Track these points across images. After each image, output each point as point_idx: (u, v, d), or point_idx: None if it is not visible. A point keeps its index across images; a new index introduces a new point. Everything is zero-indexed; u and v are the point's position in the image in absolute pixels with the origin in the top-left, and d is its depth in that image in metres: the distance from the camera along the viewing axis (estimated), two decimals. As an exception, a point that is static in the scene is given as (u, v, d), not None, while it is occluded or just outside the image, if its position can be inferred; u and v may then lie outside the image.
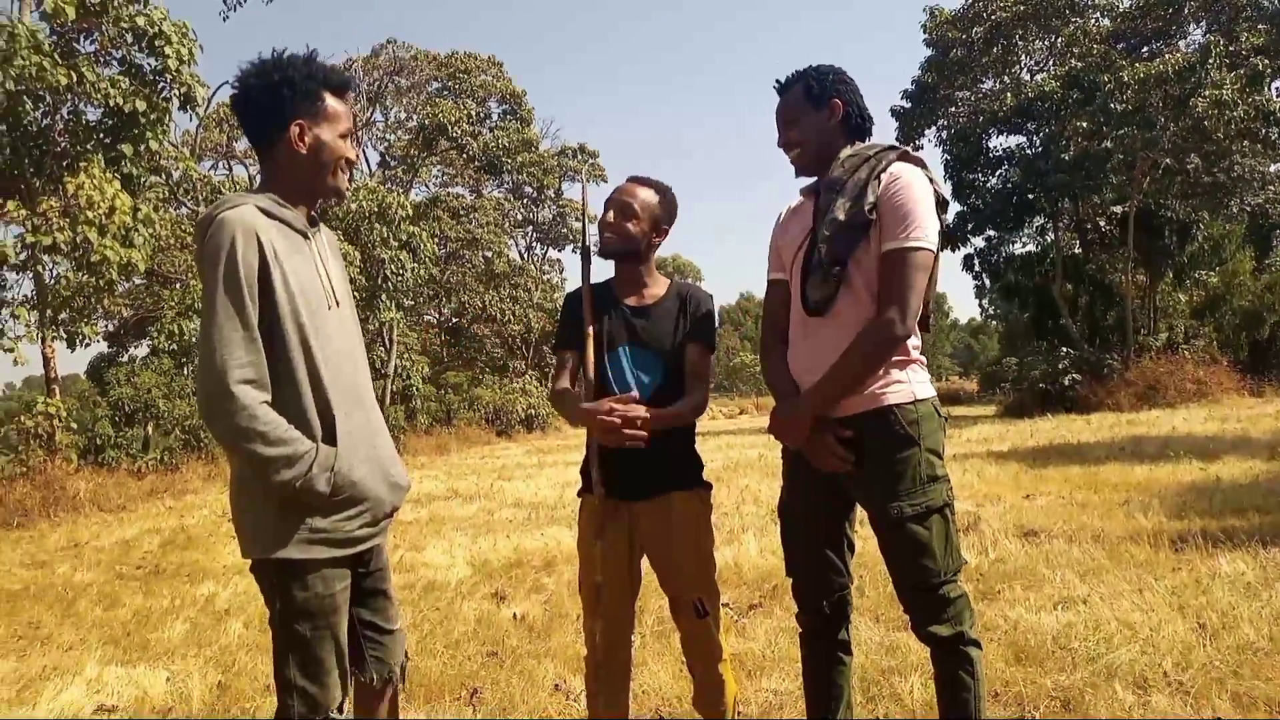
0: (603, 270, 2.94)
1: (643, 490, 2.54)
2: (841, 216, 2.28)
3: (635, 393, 2.49)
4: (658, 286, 2.69)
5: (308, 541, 1.95)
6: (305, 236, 2.06)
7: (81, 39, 12.16)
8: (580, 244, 2.77)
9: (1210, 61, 20.51)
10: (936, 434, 2.30)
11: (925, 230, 2.22)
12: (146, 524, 9.68)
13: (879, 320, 2.21)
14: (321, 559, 1.97)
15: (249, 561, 2.01)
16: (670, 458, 2.56)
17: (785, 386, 2.42)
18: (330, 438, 1.98)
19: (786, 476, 2.52)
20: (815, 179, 2.46)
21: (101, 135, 12.10)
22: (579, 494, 2.70)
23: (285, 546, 1.93)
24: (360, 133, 29.88)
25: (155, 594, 5.93)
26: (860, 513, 2.44)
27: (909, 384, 2.29)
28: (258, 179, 2.13)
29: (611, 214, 2.62)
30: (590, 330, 2.57)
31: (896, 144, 2.40)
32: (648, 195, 2.63)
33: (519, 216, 37.89)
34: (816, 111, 2.40)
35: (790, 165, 2.50)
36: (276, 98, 2.00)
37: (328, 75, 2.06)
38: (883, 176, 2.29)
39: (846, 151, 2.38)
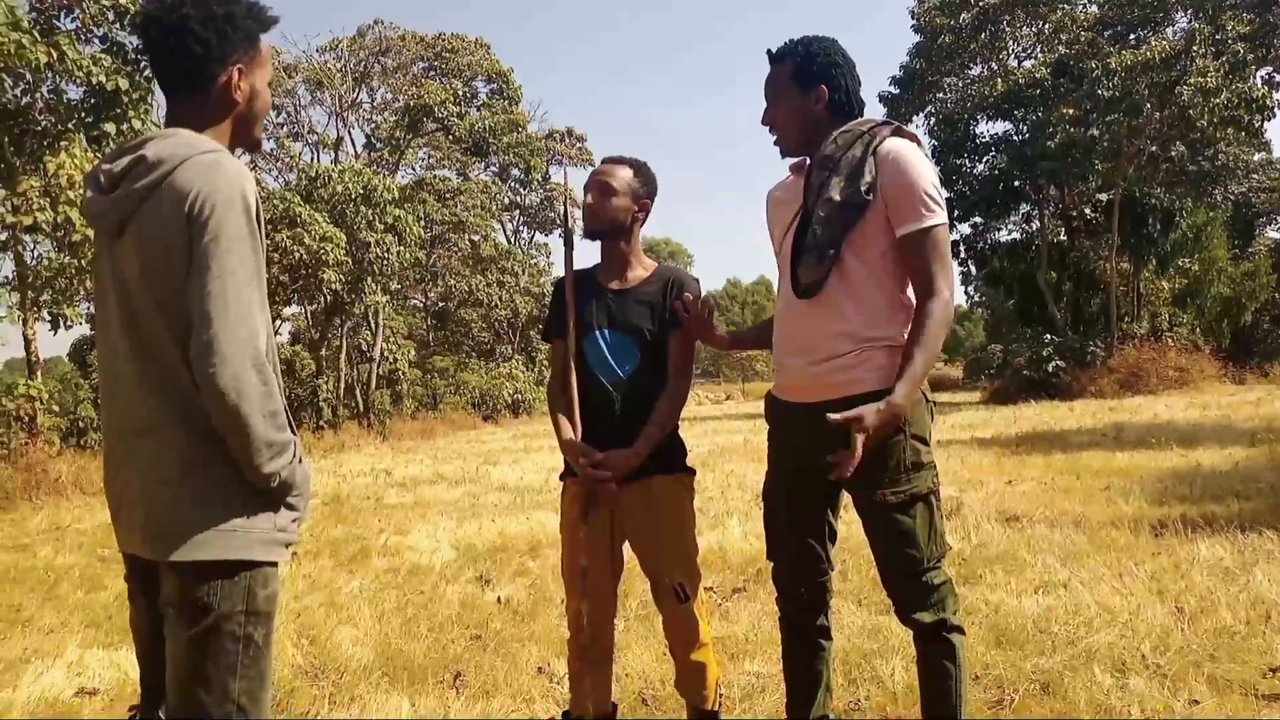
0: (590, 256, 2.94)
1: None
2: (837, 197, 2.21)
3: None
4: (641, 269, 2.67)
5: (274, 541, 1.74)
6: None
7: (62, 16, 11.99)
8: (563, 229, 2.76)
9: (1195, 48, 20.59)
10: (923, 420, 2.26)
11: (937, 205, 2.20)
12: (129, 507, 9.61)
13: (938, 301, 2.16)
14: (277, 560, 1.78)
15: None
16: None
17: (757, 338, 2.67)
18: (292, 427, 1.77)
19: (771, 462, 2.52)
20: (804, 157, 2.40)
21: (83, 114, 11.93)
22: (561, 477, 2.70)
23: (256, 547, 1.71)
24: (346, 114, 29.65)
25: (138, 577, 5.90)
26: (846, 497, 2.44)
27: (894, 369, 2.23)
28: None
29: (591, 195, 2.61)
30: (572, 317, 2.58)
31: (890, 120, 2.35)
32: (624, 171, 2.62)
33: (506, 200, 37.72)
34: (803, 94, 2.32)
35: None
36: (220, 34, 1.72)
37: (262, 14, 1.81)
38: (878, 153, 2.22)
39: (841, 130, 2.30)
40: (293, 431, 1.76)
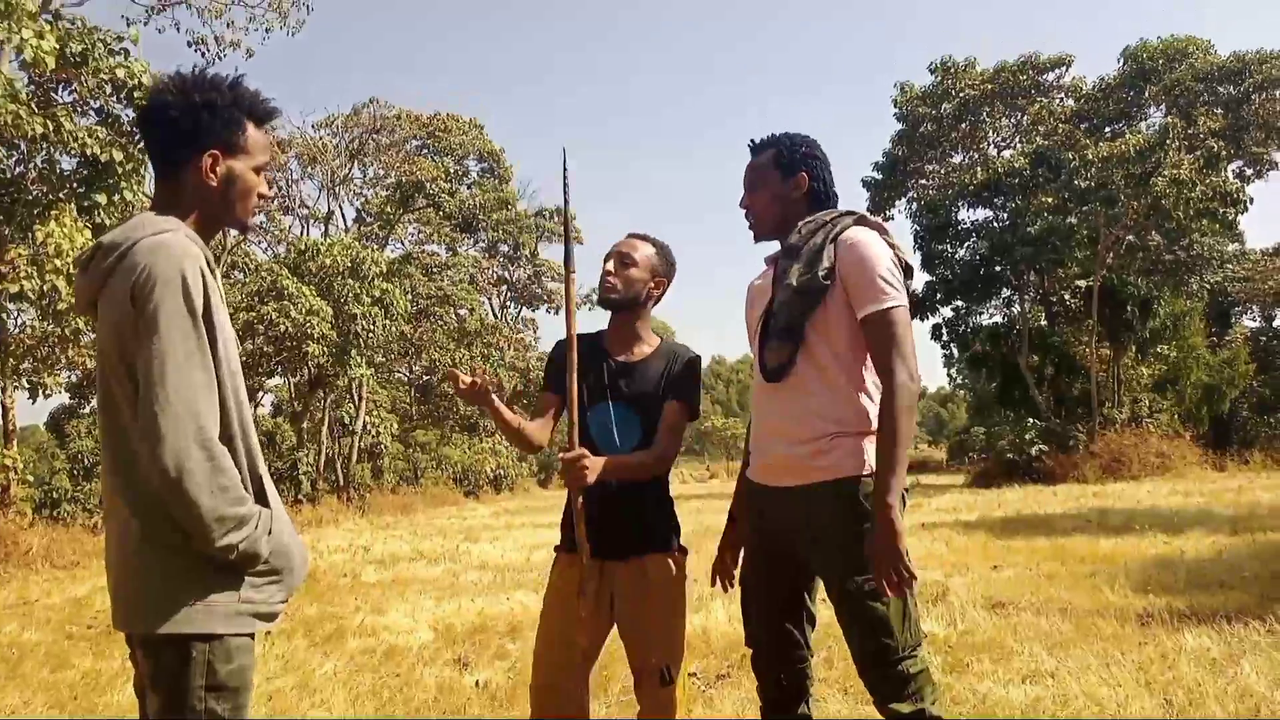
0: (596, 322, 2.94)
1: (619, 550, 2.53)
2: (794, 282, 2.29)
3: (615, 448, 2.50)
4: (648, 344, 2.69)
5: (237, 614, 1.73)
6: (213, 272, 1.82)
7: (60, 89, 12.18)
8: (564, 252, 2.64)
9: (1169, 142, 21.20)
10: None
11: (893, 288, 2.24)
12: (99, 581, 9.40)
13: (896, 385, 2.17)
14: (246, 632, 1.76)
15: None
16: (646, 519, 2.57)
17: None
18: (262, 498, 1.79)
19: (747, 546, 2.51)
20: (777, 246, 2.48)
21: (75, 184, 12.04)
22: (556, 548, 2.67)
23: (213, 620, 1.69)
24: (337, 188, 29.97)
25: (105, 655, 5.74)
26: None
27: (866, 455, 2.27)
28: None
29: (611, 263, 2.64)
30: (574, 372, 2.52)
31: (854, 210, 2.43)
32: (645, 247, 2.68)
33: (494, 275, 38.01)
34: (783, 181, 2.43)
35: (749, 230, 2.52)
36: (194, 121, 1.80)
37: (253, 104, 1.87)
38: (839, 240, 2.30)
39: (806, 220, 2.40)
40: (265, 502, 1.78)
